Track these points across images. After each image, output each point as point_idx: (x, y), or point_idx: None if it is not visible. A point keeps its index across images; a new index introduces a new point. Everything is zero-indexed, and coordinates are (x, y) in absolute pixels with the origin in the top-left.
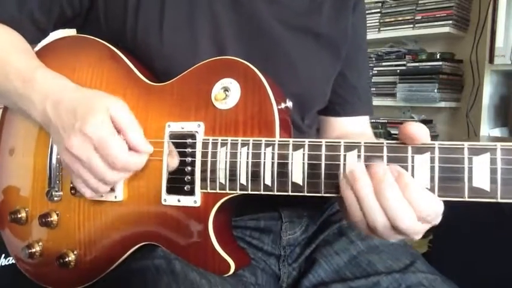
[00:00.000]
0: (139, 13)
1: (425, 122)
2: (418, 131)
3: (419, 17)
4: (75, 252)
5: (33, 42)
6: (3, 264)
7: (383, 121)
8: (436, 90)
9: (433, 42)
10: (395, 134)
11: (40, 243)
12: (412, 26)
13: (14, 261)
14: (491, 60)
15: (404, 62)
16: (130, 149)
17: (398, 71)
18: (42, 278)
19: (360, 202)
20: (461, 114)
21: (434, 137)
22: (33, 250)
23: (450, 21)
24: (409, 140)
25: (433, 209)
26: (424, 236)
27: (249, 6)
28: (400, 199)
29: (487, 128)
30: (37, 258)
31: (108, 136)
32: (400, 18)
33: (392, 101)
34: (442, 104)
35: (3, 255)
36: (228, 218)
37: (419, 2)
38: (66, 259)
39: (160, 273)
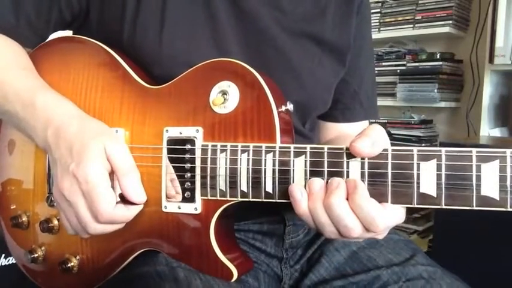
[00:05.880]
0: (138, 18)
1: (425, 122)
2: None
3: (419, 17)
4: (77, 258)
5: (32, 48)
6: (3, 264)
7: (383, 121)
8: (436, 90)
9: (433, 42)
10: (396, 134)
11: (42, 248)
12: (412, 26)
13: (14, 261)
14: (491, 60)
15: (404, 62)
16: (121, 196)
17: (398, 71)
18: (45, 282)
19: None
20: (461, 114)
21: (434, 137)
22: (36, 255)
23: (450, 21)
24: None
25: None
26: (424, 236)
27: (250, 12)
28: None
29: (487, 128)
30: (40, 263)
31: (97, 185)
32: (400, 18)
33: (392, 101)
34: (442, 104)
35: (3, 255)
36: (229, 224)
37: (419, 2)
38: (69, 264)
39: (163, 280)
